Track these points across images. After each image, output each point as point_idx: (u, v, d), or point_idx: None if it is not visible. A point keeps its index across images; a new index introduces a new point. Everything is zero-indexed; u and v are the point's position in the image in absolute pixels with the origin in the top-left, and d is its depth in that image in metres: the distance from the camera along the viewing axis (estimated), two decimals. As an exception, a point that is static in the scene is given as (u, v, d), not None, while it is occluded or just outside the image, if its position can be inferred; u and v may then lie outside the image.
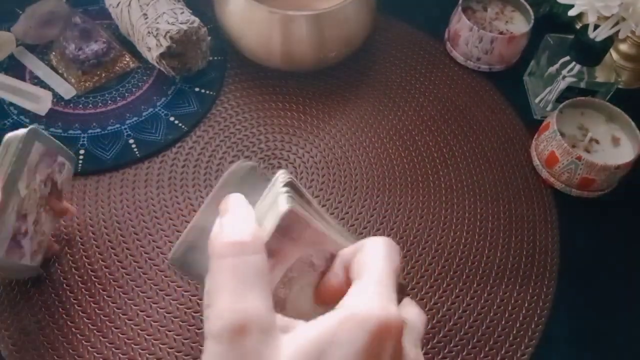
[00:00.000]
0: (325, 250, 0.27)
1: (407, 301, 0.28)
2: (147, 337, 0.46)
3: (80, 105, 0.60)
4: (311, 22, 0.57)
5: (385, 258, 0.25)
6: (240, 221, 0.24)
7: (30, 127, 0.41)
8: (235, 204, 0.25)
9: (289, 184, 0.26)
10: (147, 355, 0.45)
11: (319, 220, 0.27)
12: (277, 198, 0.25)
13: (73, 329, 0.46)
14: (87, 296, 0.48)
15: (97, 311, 0.47)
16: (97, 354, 0.45)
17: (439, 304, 0.50)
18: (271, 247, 0.25)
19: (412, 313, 0.26)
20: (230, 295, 0.21)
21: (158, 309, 0.47)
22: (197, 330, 0.46)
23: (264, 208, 0.26)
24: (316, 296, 0.27)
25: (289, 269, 0.27)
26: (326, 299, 0.26)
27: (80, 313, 0.47)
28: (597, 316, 0.50)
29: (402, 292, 0.26)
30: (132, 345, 0.46)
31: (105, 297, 0.48)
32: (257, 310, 0.21)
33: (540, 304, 0.50)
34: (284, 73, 0.64)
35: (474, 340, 0.48)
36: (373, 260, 0.25)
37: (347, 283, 0.25)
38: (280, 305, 0.27)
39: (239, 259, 0.22)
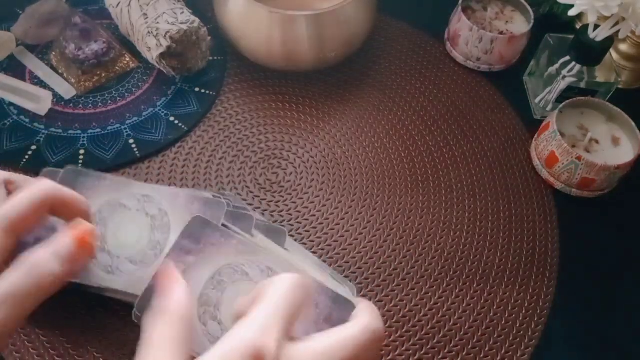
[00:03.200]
0: (260, 262, 0.31)
1: (362, 306, 0.30)
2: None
3: (80, 105, 0.60)
4: (311, 22, 0.57)
5: (283, 295, 0.26)
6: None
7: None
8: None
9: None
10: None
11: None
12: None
13: (73, 331, 0.46)
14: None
15: (98, 311, 0.47)
16: (97, 353, 0.45)
17: (439, 304, 0.50)
18: (185, 247, 0.31)
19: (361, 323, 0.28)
20: None
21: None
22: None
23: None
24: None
25: (217, 272, 0.31)
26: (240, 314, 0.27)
27: (81, 314, 0.47)
28: (598, 316, 0.50)
29: None
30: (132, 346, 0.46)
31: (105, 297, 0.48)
32: None
33: (540, 304, 0.50)
34: (284, 73, 0.64)
35: (474, 340, 0.48)
36: (269, 294, 0.26)
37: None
38: (213, 304, 0.31)
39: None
